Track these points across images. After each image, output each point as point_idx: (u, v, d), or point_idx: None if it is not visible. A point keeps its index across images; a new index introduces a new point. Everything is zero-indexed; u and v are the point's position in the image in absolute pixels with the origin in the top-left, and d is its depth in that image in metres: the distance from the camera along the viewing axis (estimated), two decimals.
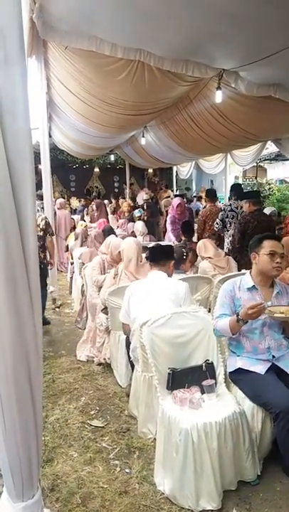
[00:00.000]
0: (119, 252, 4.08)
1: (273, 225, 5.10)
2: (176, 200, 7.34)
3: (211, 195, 6.99)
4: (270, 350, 2.47)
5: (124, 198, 13.69)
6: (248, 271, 2.68)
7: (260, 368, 2.40)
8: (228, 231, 5.65)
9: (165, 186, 15.39)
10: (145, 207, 9.49)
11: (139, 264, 3.73)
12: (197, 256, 4.54)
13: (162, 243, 4.97)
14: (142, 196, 12.65)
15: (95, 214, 9.40)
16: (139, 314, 2.83)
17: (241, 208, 5.41)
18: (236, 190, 6.04)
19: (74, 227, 8.76)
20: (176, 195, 9.84)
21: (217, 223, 5.80)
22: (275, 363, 2.44)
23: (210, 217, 6.32)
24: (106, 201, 12.07)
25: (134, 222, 8.31)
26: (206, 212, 6.59)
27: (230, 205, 5.76)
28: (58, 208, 8.82)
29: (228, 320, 2.44)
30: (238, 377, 2.48)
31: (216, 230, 5.75)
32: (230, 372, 2.54)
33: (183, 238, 5.54)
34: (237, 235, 4.97)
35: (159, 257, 3.12)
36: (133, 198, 13.48)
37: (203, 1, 2.99)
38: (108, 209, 11.12)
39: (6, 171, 1.26)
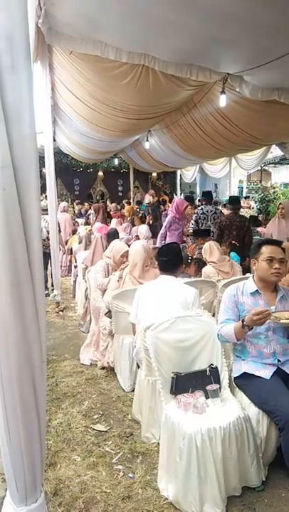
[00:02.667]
0: (121, 256, 4.09)
1: (246, 224, 6.01)
2: (180, 202, 7.29)
3: (190, 199, 8.78)
4: (276, 354, 2.45)
5: (128, 202, 13.71)
6: (251, 275, 2.67)
7: (266, 373, 2.39)
8: (201, 227, 6.73)
9: (168, 193, 15.48)
10: (150, 210, 9.52)
11: (144, 269, 3.73)
12: (202, 264, 4.56)
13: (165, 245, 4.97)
14: (148, 199, 12.72)
15: (93, 218, 9.43)
16: (147, 316, 2.82)
17: (211, 211, 6.74)
18: (206, 196, 7.47)
19: (74, 231, 8.81)
20: (186, 196, 10.03)
21: (192, 224, 6.87)
22: (280, 368, 2.42)
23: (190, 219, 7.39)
24: (113, 204, 12.16)
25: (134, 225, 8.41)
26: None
27: (201, 208, 6.86)
28: (61, 211, 8.84)
29: (233, 326, 2.43)
30: (244, 383, 2.47)
31: (192, 228, 6.80)
32: (235, 378, 2.52)
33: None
34: (216, 232, 6.08)
35: (168, 266, 3.08)
36: (139, 202, 13.54)
37: (207, 6, 3.00)
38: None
39: (12, 174, 1.27)
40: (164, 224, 7.13)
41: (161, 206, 10.69)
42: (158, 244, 6.86)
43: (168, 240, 6.96)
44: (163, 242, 6.89)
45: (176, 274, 3.08)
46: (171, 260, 3.08)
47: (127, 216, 9.98)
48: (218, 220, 6.27)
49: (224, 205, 12.64)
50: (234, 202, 6.42)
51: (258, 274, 2.55)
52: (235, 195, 12.39)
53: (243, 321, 2.36)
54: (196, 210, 7.19)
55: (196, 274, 4.37)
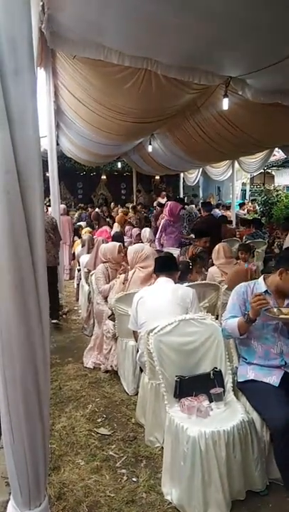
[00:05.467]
0: (118, 252, 4.13)
1: (219, 224, 7.31)
2: (174, 205, 7.30)
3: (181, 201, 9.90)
4: (283, 355, 2.42)
5: (126, 206, 13.72)
6: (262, 276, 2.65)
7: (273, 379, 2.35)
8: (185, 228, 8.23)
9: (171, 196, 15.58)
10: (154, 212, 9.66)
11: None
12: (203, 265, 4.57)
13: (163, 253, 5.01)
14: (157, 202, 12.84)
15: (96, 226, 9.47)
16: (147, 320, 2.83)
17: (186, 214, 8.21)
18: (182, 202, 9.34)
19: (75, 234, 8.84)
20: (175, 199, 10.28)
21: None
22: (287, 371, 2.40)
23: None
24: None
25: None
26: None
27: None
28: (61, 214, 8.82)
29: (237, 319, 2.42)
30: (247, 388, 2.44)
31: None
32: (238, 382, 2.50)
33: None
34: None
35: (166, 266, 3.15)
36: (146, 206, 13.59)
37: (209, 10, 3.01)
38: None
39: (15, 178, 1.28)
40: (160, 228, 7.18)
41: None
42: (157, 247, 6.89)
43: (164, 243, 7.00)
44: (161, 246, 6.93)
45: (172, 277, 3.10)
46: (166, 257, 3.16)
47: (118, 225, 9.94)
48: (194, 221, 7.51)
49: (227, 208, 12.68)
50: (206, 205, 8.00)
51: (278, 284, 2.50)
52: (207, 200, 14.55)
53: (245, 315, 2.36)
54: (183, 213, 8.37)
55: (199, 272, 4.36)
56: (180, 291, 2.97)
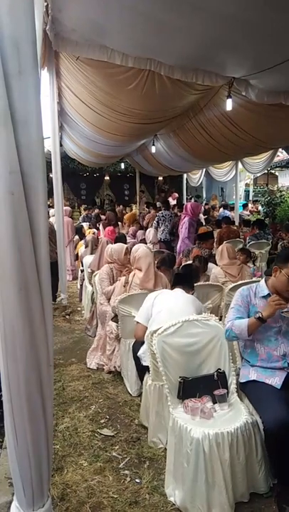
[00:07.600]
0: (125, 254, 4.13)
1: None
2: (195, 205, 7.57)
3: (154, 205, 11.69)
4: (286, 357, 2.42)
5: (128, 206, 13.74)
6: (264, 278, 2.64)
7: (276, 381, 2.34)
8: (160, 227, 8.65)
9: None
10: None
11: (153, 274, 3.73)
12: (206, 265, 4.58)
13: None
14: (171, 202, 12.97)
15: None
16: (161, 310, 2.91)
17: (168, 215, 8.76)
18: (165, 203, 10.40)
19: (77, 234, 8.85)
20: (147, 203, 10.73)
21: (154, 224, 8.83)
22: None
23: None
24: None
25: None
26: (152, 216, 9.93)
27: (162, 213, 8.88)
28: (64, 215, 8.85)
29: (246, 320, 2.40)
30: (249, 389, 2.43)
31: (154, 227, 8.75)
32: (241, 383, 2.49)
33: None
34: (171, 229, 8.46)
35: (182, 282, 3.20)
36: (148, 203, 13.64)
37: (212, 10, 3.01)
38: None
39: (20, 179, 1.28)
40: (187, 228, 7.21)
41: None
42: (191, 246, 6.85)
43: (186, 242, 7.03)
44: (190, 243, 6.94)
45: (188, 290, 3.14)
46: (185, 273, 3.25)
47: (127, 224, 9.93)
48: (173, 220, 8.55)
49: (231, 208, 12.69)
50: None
51: (273, 283, 2.50)
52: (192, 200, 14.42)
53: (257, 313, 2.34)
54: (157, 214, 9.10)
55: (202, 276, 4.36)
56: (195, 300, 3.08)
